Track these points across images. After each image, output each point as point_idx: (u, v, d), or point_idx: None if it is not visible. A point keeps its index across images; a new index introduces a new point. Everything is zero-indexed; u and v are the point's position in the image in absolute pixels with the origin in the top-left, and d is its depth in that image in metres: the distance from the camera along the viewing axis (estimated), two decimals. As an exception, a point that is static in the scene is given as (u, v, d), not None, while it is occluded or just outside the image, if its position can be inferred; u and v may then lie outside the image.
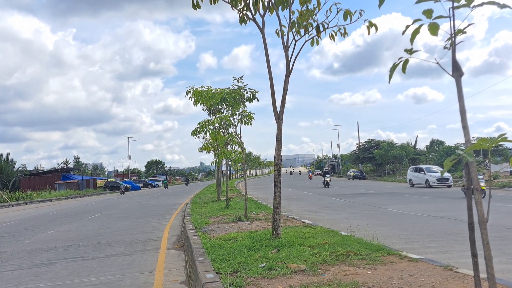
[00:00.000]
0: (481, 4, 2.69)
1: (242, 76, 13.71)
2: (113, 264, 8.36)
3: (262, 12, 8.52)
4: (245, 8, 8.42)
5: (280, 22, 8.37)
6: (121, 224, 15.84)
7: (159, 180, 79.76)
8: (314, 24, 8.30)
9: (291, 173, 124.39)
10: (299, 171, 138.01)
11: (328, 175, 41.09)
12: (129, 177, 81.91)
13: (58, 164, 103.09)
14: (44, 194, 47.45)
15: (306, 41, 8.53)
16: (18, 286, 6.96)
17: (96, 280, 7.07)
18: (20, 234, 14.35)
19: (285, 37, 8.45)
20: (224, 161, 23.13)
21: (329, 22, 8.15)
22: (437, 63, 2.86)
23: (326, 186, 38.76)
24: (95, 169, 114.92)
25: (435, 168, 34.60)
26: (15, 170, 67.85)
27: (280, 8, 8.24)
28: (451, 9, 2.78)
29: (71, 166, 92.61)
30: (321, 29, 8.27)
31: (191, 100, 17.53)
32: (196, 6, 8.07)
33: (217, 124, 18.27)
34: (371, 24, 7.49)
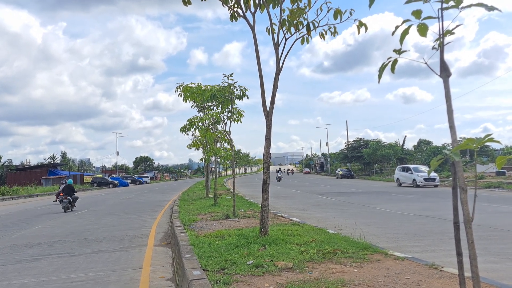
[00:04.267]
0: (470, 6, 2.71)
1: (232, 73, 13.68)
2: (99, 261, 8.31)
3: (253, 9, 8.51)
4: (236, 5, 8.40)
5: (270, 20, 8.37)
6: (108, 221, 15.74)
7: (147, 177, 79.45)
8: (305, 23, 8.32)
9: (278, 172, 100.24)
10: (292, 170, 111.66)
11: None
12: (117, 173, 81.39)
13: (45, 159, 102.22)
14: (31, 189, 46.97)
15: (296, 39, 8.55)
16: (2, 282, 6.88)
17: (81, 277, 7.02)
18: (5, 230, 14.19)
19: (275, 35, 8.45)
20: (213, 158, 23.10)
21: (319, 20, 8.18)
22: (425, 63, 2.88)
23: None
24: (82, 164, 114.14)
25: (423, 168, 34.87)
26: (1, 165, 67.08)
27: (271, 5, 8.25)
28: (440, 10, 2.80)
29: (58, 161, 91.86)
30: (312, 27, 8.29)
31: (181, 96, 17.51)
32: (186, 2, 8.04)
33: (206, 121, 18.24)
34: (361, 24, 7.52)
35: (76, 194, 21.89)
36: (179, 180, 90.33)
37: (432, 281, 5.29)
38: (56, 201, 25.00)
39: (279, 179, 50.34)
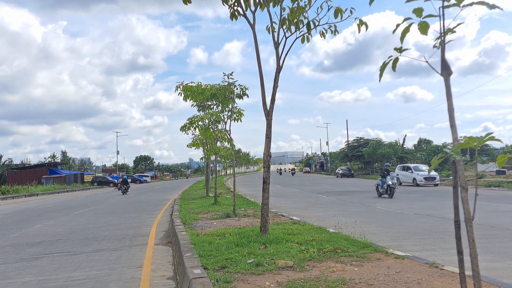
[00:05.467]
0: (471, 4, 2.71)
1: (232, 72, 13.69)
2: (100, 259, 8.32)
3: (253, 8, 8.51)
4: (236, 4, 8.40)
5: (271, 19, 8.37)
6: (108, 219, 15.75)
7: (147, 176, 79.50)
8: (305, 21, 8.32)
9: (279, 171, 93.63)
10: (294, 169, 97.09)
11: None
12: (117, 172, 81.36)
13: (45, 158, 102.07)
14: (31, 188, 47.03)
15: (296, 38, 8.55)
16: (3, 281, 6.89)
17: (83, 275, 7.03)
18: (6, 229, 14.20)
19: (276, 34, 8.45)
20: (213, 158, 23.10)
21: (319, 19, 8.18)
22: (426, 61, 2.88)
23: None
24: (82, 164, 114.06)
25: (423, 167, 34.84)
26: (1, 164, 67.13)
27: (271, 4, 8.25)
28: (441, 8, 2.80)
29: (59, 160, 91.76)
30: (312, 26, 8.30)
31: (181, 95, 17.50)
32: (186, 1, 8.04)
33: (206, 120, 18.25)
34: (361, 23, 7.52)
35: (128, 184, 35.96)
36: (179, 179, 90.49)
37: (432, 279, 5.29)
38: (115, 188, 42.94)
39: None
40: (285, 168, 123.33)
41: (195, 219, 12.61)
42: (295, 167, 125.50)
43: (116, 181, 60.61)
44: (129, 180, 68.62)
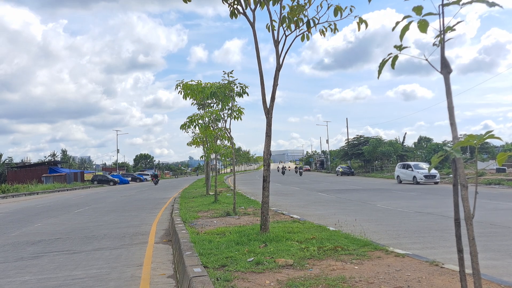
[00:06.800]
0: (470, 2, 2.70)
1: (232, 71, 13.69)
2: (100, 258, 8.32)
3: (253, 6, 8.50)
4: (236, 2, 8.39)
5: (271, 17, 8.36)
6: (108, 218, 15.75)
7: (148, 174, 79.63)
8: (305, 20, 8.31)
9: (282, 170, 75.92)
10: (300, 167, 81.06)
11: None
12: (117, 171, 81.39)
13: (45, 157, 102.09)
14: (31, 187, 47.03)
15: (296, 36, 8.54)
16: (3, 279, 6.89)
17: (82, 274, 7.03)
18: (6, 227, 14.20)
19: (275, 32, 8.44)
20: (213, 156, 23.10)
21: (319, 17, 8.17)
22: (426, 59, 2.88)
23: None
24: (82, 162, 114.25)
25: (423, 165, 34.83)
26: (1, 162, 67.16)
27: (271, 2, 8.24)
28: (440, 6, 2.79)
29: (59, 159, 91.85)
30: (312, 24, 8.28)
31: (181, 94, 17.50)
32: (186, -1, 8.04)
33: (206, 118, 18.25)
34: (361, 21, 7.50)
35: (158, 179, 50.87)
36: (179, 178, 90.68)
37: (432, 277, 5.29)
38: (150, 181, 54.31)
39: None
40: (288, 167, 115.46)
41: (195, 218, 12.61)
42: (297, 166, 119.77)
43: (115, 179, 61.36)
44: (129, 178, 69.71)
